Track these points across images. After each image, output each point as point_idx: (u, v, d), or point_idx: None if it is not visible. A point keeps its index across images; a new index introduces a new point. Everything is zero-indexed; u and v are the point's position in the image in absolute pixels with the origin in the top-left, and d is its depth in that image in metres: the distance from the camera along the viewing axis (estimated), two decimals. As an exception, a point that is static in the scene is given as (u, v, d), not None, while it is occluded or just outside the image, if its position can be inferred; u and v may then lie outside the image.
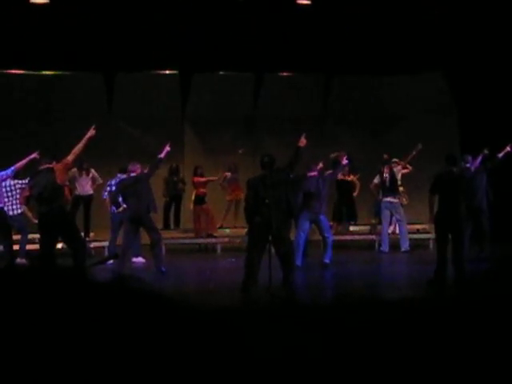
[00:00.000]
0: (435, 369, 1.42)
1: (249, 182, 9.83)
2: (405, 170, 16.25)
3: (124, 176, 13.77)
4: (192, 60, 17.36)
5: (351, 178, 16.84)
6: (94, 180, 15.97)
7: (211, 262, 15.24)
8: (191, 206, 16.87)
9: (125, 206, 12.74)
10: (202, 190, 16.68)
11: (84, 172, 15.73)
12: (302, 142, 9.98)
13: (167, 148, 12.74)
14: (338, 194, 16.83)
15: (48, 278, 0.97)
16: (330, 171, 13.71)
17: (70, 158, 10.09)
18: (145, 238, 13.31)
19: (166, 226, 17.50)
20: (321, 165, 13.47)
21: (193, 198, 16.78)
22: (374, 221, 17.42)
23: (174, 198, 17.60)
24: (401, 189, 16.15)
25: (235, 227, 17.28)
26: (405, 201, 16.40)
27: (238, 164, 17.41)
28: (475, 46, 16.62)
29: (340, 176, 15.76)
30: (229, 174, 17.49)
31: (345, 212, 17.23)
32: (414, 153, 15.96)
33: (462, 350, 1.55)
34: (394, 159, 16.07)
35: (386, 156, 15.83)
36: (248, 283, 9.42)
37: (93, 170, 15.89)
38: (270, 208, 9.09)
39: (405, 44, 16.89)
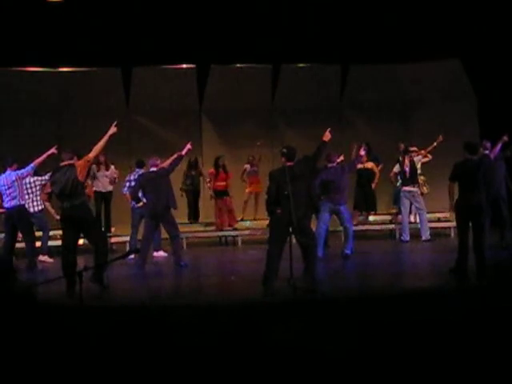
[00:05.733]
0: (461, 356, 1.41)
1: (271, 174, 9.81)
2: (425, 159, 16.17)
3: (142, 170, 13.83)
4: (209, 52, 17.34)
5: (371, 165, 16.63)
6: (113, 175, 15.92)
7: (232, 254, 15.27)
8: (211, 199, 16.87)
9: (144, 200, 12.78)
10: (221, 182, 16.66)
11: (103, 167, 15.74)
12: (327, 136, 9.91)
13: (188, 146, 12.84)
14: (357, 184, 16.75)
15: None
16: (350, 161, 13.69)
17: (91, 154, 10.10)
18: (165, 232, 13.35)
19: (191, 220, 17.52)
20: (342, 157, 13.49)
21: (211, 192, 16.77)
22: (393, 210, 17.35)
23: (193, 191, 17.60)
24: (421, 178, 16.07)
25: (255, 219, 17.30)
26: (426, 190, 16.33)
27: (257, 156, 17.38)
28: (492, 31, 16.48)
29: (359, 165, 15.69)
30: (248, 167, 17.48)
31: (364, 202, 17.15)
32: (435, 144, 15.89)
33: (488, 338, 1.54)
34: (413, 148, 15.98)
35: (402, 146, 15.74)
36: (269, 275, 9.41)
37: (112, 166, 15.88)
38: (290, 200, 9.06)
39: (421, 31, 16.77)
